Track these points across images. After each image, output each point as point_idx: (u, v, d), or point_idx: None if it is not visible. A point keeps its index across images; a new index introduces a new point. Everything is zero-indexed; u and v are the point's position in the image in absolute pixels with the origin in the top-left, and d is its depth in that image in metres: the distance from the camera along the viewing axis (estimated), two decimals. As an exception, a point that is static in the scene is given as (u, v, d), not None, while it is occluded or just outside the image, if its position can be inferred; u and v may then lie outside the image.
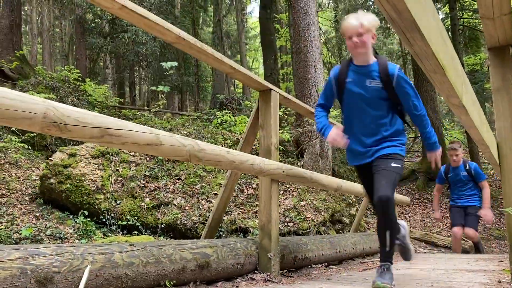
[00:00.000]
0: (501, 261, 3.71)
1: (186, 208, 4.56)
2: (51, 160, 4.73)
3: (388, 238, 2.32)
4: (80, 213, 4.38)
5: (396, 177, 2.41)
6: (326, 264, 3.58)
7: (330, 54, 17.50)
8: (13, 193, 4.78)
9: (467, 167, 5.19)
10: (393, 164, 2.42)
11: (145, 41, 12.42)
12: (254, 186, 5.21)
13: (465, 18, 13.31)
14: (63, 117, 1.34)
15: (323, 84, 7.74)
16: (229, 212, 4.63)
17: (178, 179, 4.96)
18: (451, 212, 5.38)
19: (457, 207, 5.27)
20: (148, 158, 5.10)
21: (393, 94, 2.47)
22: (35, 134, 6.38)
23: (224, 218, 4.38)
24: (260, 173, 2.54)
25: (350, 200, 5.97)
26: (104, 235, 4.19)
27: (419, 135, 12.49)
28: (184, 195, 4.72)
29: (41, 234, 3.91)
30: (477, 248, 5.46)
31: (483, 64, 14.03)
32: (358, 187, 4.00)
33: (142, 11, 1.93)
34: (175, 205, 4.56)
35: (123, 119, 6.61)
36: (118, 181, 4.69)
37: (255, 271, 2.67)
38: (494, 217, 4.88)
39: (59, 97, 7.23)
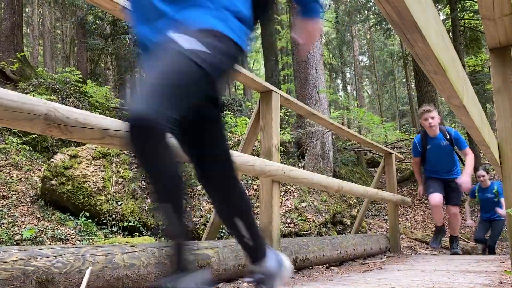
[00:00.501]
0: (503, 262, 3.70)
1: (187, 209, 4.56)
2: (52, 161, 4.74)
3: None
4: (81, 214, 4.38)
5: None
6: (327, 265, 3.57)
7: (331, 55, 17.50)
8: (14, 194, 4.78)
9: (447, 136, 4.40)
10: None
11: (146, 43, 12.41)
12: (255, 187, 5.21)
13: (466, 19, 13.30)
14: (64, 118, 1.34)
15: (324, 86, 7.75)
16: (230, 213, 4.62)
17: (179, 180, 4.96)
18: (427, 181, 4.68)
19: (435, 178, 4.61)
20: (149, 160, 5.10)
21: None
22: (36, 135, 6.39)
23: (225, 219, 4.38)
24: (261, 174, 2.54)
25: (351, 201, 5.97)
26: (105, 236, 4.19)
27: None
28: (185, 196, 4.72)
29: (42, 235, 3.91)
30: (453, 239, 4.93)
31: (484, 65, 14.02)
32: (359, 188, 4.00)
33: (143, 12, 1.93)
34: (176, 206, 4.56)
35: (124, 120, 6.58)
36: (119, 182, 4.69)
37: (256, 272, 2.67)
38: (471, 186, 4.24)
39: (60, 98, 7.24)
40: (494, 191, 5.97)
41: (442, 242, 4.81)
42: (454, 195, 4.54)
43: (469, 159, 4.31)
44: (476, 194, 6.21)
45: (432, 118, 4.27)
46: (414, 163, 4.81)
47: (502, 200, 5.74)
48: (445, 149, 4.40)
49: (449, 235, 4.81)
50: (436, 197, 4.37)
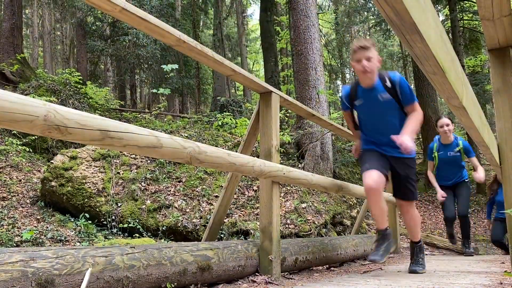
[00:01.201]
0: (503, 262, 3.70)
1: (187, 210, 4.56)
2: (52, 163, 4.74)
3: None
4: (81, 215, 4.38)
5: None
6: (327, 266, 3.57)
7: (330, 57, 17.51)
8: (14, 196, 4.78)
9: (387, 83, 2.81)
10: None
11: (145, 44, 12.45)
12: (255, 188, 5.21)
13: (465, 19, 13.33)
14: (64, 120, 1.34)
15: (324, 87, 7.75)
16: (230, 214, 4.62)
17: (179, 182, 4.96)
18: (362, 154, 3.07)
19: (375, 151, 3.00)
20: (149, 161, 5.10)
21: None
22: (36, 137, 6.40)
23: (225, 220, 4.38)
24: (260, 175, 2.54)
25: (351, 202, 5.97)
26: (105, 237, 4.19)
27: (419, 137, 12.48)
28: (185, 198, 4.72)
29: (42, 237, 3.91)
30: (414, 248, 3.14)
31: (484, 66, 14.03)
32: (359, 189, 3.99)
33: (142, 13, 1.94)
34: (176, 208, 4.56)
35: (124, 121, 6.64)
36: (119, 183, 4.69)
37: (256, 274, 2.67)
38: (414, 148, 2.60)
39: (60, 100, 7.25)
40: (458, 148, 4.59)
41: (389, 253, 3.00)
42: (404, 182, 3.00)
43: (415, 115, 2.84)
44: (435, 153, 4.71)
45: (368, 59, 2.72)
46: (348, 125, 3.30)
47: (474, 160, 4.51)
48: (383, 105, 2.84)
49: (410, 241, 3.25)
50: (372, 176, 2.75)
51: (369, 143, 3.07)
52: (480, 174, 4.47)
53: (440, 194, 4.77)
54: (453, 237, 5.11)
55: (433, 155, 4.82)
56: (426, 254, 5.70)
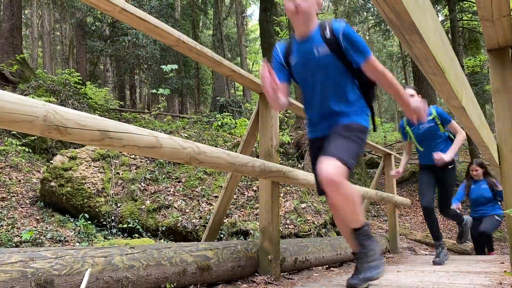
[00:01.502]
0: (502, 262, 3.70)
1: (187, 210, 4.56)
2: (51, 163, 4.73)
3: None
4: (80, 216, 4.38)
5: None
6: (327, 266, 3.57)
7: (330, 57, 17.51)
8: (14, 196, 4.78)
9: (327, 32, 2.06)
10: None
11: (145, 44, 12.46)
12: (254, 188, 5.21)
13: (464, 20, 13.34)
14: (63, 120, 1.34)
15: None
16: (230, 215, 4.62)
17: (179, 182, 4.96)
18: (311, 155, 2.41)
19: (315, 141, 2.33)
20: (148, 161, 5.10)
21: None
22: (35, 137, 6.39)
23: (224, 220, 4.38)
24: (260, 176, 2.54)
25: (350, 202, 5.96)
26: (105, 238, 4.19)
27: None
28: (185, 198, 4.72)
29: (42, 237, 3.91)
30: (359, 233, 2.15)
31: (483, 66, 14.05)
32: (358, 189, 3.99)
33: (142, 14, 1.94)
34: (176, 208, 4.56)
35: (124, 122, 6.63)
36: (118, 184, 4.69)
37: (256, 274, 2.67)
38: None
39: (59, 100, 7.24)
40: (432, 117, 3.81)
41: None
42: (335, 141, 2.03)
43: (394, 85, 2.04)
44: (407, 129, 4.01)
45: None
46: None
47: (454, 124, 3.74)
48: (319, 62, 2.10)
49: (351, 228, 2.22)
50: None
51: (310, 127, 2.35)
52: (443, 154, 3.49)
53: (394, 171, 4.00)
54: (439, 238, 3.97)
55: (405, 132, 4.03)
56: (426, 254, 5.69)
